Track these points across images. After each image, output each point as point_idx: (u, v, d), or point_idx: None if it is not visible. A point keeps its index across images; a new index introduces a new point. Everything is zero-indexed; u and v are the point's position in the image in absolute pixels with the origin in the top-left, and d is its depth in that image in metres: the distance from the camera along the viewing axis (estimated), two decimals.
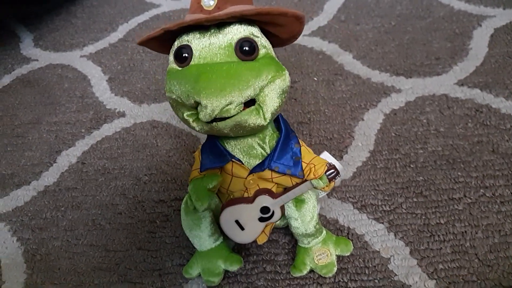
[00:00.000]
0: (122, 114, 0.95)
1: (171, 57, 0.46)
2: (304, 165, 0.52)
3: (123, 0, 1.44)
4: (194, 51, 0.43)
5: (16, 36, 1.33)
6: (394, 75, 0.93)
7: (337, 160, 0.64)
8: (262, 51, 0.44)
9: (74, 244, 0.70)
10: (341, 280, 0.59)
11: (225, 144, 0.51)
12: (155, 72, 1.06)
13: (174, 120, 0.90)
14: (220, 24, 0.43)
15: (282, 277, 0.61)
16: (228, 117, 0.42)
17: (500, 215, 0.64)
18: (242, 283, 0.61)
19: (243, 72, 0.42)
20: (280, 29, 0.47)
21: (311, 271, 0.60)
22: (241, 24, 0.43)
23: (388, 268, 0.60)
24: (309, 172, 0.53)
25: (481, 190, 0.67)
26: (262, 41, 0.45)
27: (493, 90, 0.84)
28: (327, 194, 0.70)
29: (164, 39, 0.46)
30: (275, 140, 0.52)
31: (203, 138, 0.81)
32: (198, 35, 0.43)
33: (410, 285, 0.57)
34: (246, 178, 0.52)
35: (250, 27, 0.44)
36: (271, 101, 0.44)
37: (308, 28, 1.13)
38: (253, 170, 0.51)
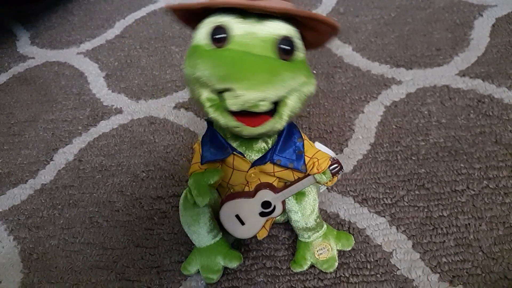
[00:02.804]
0: (119, 111, 0.93)
1: (201, 34, 0.43)
2: (307, 159, 0.51)
3: None
4: (233, 35, 0.41)
5: (13, 34, 1.32)
6: (394, 66, 0.91)
7: (336, 154, 0.63)
8: (299, 54, 0.43)
9: (71, 242, 0.69)
10: (343, 275, 0.58)
11: (226, 136, 0.50)
12: (152, 68, 1.05)
13: (171, 116, 0.89)
14: (260, 14, 0.41)
15: (282, 273, 0.60)
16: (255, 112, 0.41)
17: (504, 206, 0.62)
18: (242, 279, 0.60)
19: (283, 72, 0.41)
20: (314, 34, 0.45)
21: (312, 266, 0.59)
22: (282, 21, 0.42)
23: (390, 262, 0.59)
24: (312, 167, 0.51)
25: (485, 182, 0.66)
26: (300, 44, 0.44)
27: (495, 80, 0.83)
28: (327, 188, 0.68)
29: (192, 13, 0.44)
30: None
31: (201, 133, 0.79)
32: (237, 19, 0.41)
33: (413, 279, 0.56)
34: (247, 172, 0.51)
35: (290, 26, 0.43)
36: (293, 105, 0.43)
37: None
38: (255, 163, 0.50)
